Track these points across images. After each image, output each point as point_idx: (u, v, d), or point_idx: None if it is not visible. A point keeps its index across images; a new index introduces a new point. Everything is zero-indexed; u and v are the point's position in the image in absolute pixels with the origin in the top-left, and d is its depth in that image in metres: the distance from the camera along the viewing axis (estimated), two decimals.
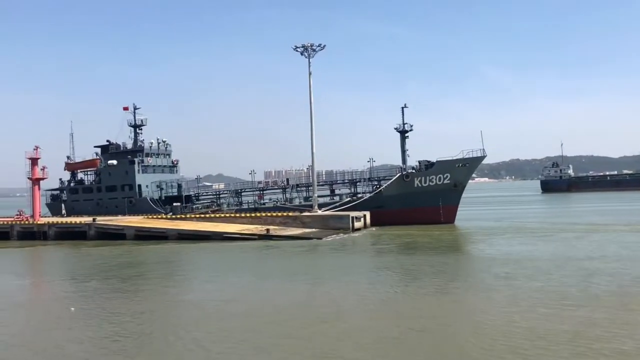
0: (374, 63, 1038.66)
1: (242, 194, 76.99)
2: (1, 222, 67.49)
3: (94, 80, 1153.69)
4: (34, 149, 68.02)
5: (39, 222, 65.36)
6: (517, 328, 18.63)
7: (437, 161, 65.86)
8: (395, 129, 69.79)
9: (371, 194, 66.60)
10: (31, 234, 63.93)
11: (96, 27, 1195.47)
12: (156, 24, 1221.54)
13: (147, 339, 19.85)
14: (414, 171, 66.58)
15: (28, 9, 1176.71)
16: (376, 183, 69.54)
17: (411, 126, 69.74)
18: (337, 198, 70.80)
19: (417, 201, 64.04)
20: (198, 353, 17.74)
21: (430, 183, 65.18)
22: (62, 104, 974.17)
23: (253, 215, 63.26)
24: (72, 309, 25.23)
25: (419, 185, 65.37)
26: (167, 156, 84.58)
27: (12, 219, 69.06)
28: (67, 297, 28.83)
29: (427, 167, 66.07)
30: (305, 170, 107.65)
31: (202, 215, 66.47)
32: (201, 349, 18.12)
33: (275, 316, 22.10)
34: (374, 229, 60.44)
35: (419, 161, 67.52)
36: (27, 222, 66.17)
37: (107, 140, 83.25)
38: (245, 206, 72.55)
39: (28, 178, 68.81)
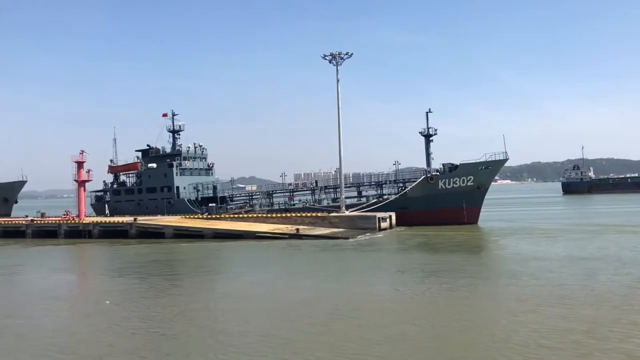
0: (398, 70, 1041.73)
1: (274, 195, 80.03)
2: (50, 221, 72.02)
3: (137, 91, 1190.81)
4: (80, 153, 72.29)
5: (84, 222, 69.12)
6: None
7: (460, 164, 67.73)
8: (420, 133, 71.97)
9: (397, 196, 68.90)
10: (77, 233, 67.57)
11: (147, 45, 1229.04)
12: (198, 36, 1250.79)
13: (183, 333, 22.67)
14: (438, 173, 68.57)
15: (80, 27, 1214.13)
16: (401, 185, 71.82)
17: (435, 130, 71.86)
18: (363, 199, 73.34)
19: (441, 202, 66.09)
20: (220, 341, 20.70)
21: (454, 185, 67.19)
22: (107, 111, 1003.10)
23: (284, 215, 66.17)
24: (107, 301, 28.02)
25: (443, 187, 67.44)
26: (203, 159, 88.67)
27: (59, 219, 73.38)
28: (110, 290, 31.52)
29: (451, 169, 67.94)
30: (333, 172, 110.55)
31: (236, 216, 69.64)
32: (226, 339, 21.04)
33: (303, 309, 24.13)
34: (399, 229, 62.77)
35: (442, 164, 69.40)
36: (73, 222, 69.94)
37: (147, 145, 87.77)
38: (276, 207, 75.48)
39: (74, 180, 72.85)
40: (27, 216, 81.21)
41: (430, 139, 71.80)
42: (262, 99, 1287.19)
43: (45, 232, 69.14)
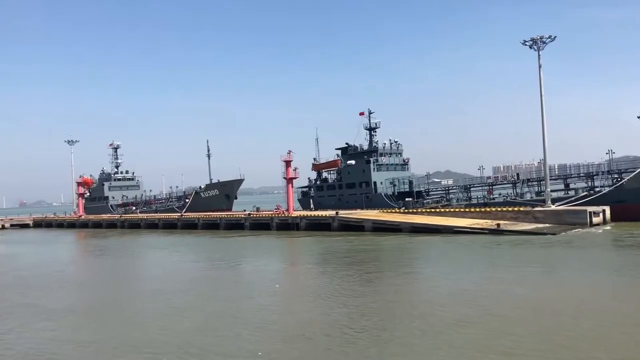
0: (603, 49, 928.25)
1: (471, 189, 78.13)
2: (264, 215, 79.59)
3: (336, 92, 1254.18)
4: (288, 153, 78.63)
5: (292, 215, 74.84)
6: None
7: None
8: (639, 117, 64.16)
9: (611, 188, 62.39)
10: (286, 225, 73.39)
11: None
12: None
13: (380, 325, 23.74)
14: None
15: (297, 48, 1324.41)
16: (616, 176, 64.83)
17: None
18: (571, 192, 67.78)
19: None
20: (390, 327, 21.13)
21: None
22: (309, 115, 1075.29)
23: (482, 210, 64.20)
24: (277, 285, 30.56)
25: None
26: (399, 155, 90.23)
27: (271, 213, 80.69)
28: (318, 277, 34.50)
29: None
30: (536, 164, 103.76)
31: (433, 210, 69.41)
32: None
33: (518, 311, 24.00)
34: (614, 224, 56.96)
35: None
36: (283, 215, 75.99)
37: (346, 143, 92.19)
38: (474, 201, 73.58)
39: (283, 178, 79.47)
40: (244, 210, 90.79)
41: None
42: (458, 93, 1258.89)
43: (260, 225, 76.41)
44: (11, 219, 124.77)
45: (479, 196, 75.80)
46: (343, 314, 23.07)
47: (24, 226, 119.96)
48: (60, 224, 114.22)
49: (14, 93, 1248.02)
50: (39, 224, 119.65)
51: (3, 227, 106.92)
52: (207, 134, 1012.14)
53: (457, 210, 67.09)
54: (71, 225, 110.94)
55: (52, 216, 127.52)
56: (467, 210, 65.86)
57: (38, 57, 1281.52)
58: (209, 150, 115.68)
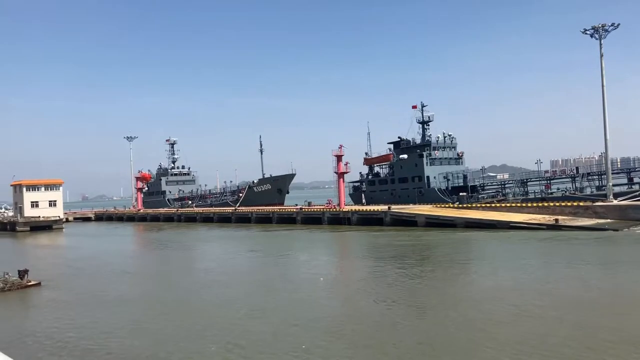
0: None
1: (528, 183, 76.02)
2: (315, 209, 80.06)
3: (386, 85, 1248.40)
4: (339, 148, 78.76)
5: (344, 210, 75.01)
6: None
7: None
8: None
9: None
10: (338, 220, 73.58)
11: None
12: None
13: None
14: None
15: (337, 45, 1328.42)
16: None
17: None
18: (636, 187, 64.85)
19: None
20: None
21: None
22: (364, 109, 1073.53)
23: (540, 204, 62.31)
24: (322, 279, 30.61)
25: None
26: (453, 149, 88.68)
27: (323, 207, 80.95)
28: (368, 271, 34.43)
29: None
30: (597, 157, 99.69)
31: (488, 205, 67.86)
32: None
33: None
34: None
35: None
36: (334, 210, 76.30)
37: (399, 137, 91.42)
38: (531, 196, 71.51)
39: (334, 172, 79.75)
40: (296, 205, 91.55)
41: None
42: (511, 83, 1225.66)
43: (312, 219, 76.86)
44: (74, 213, 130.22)
45: (536, 191, 73.59)
46: (394, 311, 22.93)
47: (86, 219, 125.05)
48: (120, 217, 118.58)
49: (89, 93, 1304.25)
50: (100, 217, 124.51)
51: (67, 220, 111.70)
52: (260, 130, 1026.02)
53: (513, 205, 65.38)
54: (130, 218, 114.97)
55: (112, 210, 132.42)
56: (523, 205, 64.09)
57: (111, 60, 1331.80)
58: (261, 146, 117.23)
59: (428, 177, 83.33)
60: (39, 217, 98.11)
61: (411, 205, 74.63)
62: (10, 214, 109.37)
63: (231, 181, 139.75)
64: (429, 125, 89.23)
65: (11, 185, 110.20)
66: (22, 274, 34.19)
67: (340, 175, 78.60)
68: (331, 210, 76.27)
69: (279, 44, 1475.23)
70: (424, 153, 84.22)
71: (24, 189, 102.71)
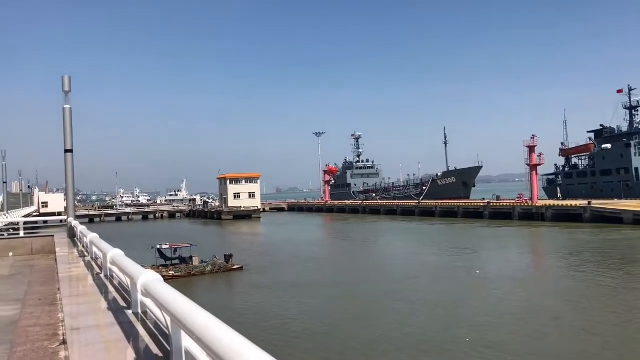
0: None
1: None
2: (505, 204, 76.11)
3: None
4: (531, 138, 73.74)
5: (537, 205, 70.26)
6: None
7: None
8: None
9: None
10: (530, 215, 69.13)
11: None
12: None
13: None
14: None
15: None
16: None
17: None
18: None
19: None
20: None
21: None
22: (559, 96, 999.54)
23: None
24: (477, 272, 29.89)
25: None
26: None
27: (513, 202, 76.49)
28: (568, 273, 31.62)
29: None
30: None
31: None
32: None
33: None
34: None
35: None
36: (526, 205, 71.86)
37: (601, 125, 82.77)
38: None
39: (526, 164, 74.96)
40: (483, 199, 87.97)
41: None
42: None
43: (500, 214, 73.31)
44: (270, 204, 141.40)
45: None
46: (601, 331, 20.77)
47: (280, 210, 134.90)
48: (309, 209, 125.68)
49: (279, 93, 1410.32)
50: (292, 208, 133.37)
51: (264, 210, 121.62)
52: (443, 121, 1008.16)
53: None
54: (319, 209, 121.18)
55: (303, 201, 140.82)
56: None
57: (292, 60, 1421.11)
58: (445, 137, 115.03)
59: (637, 169, 74.09)
60: (240, 207, 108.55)
61: (616, 201, 67.35)
62: (216, 204, 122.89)
63: (414, 174, 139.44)
64: (637, 110, 79.16)
65: (217, 179, 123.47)
66: (228, 258, 37.96)
67: (533, 167, 73.74)
68: (523, 205, 72.06)
69: (473, 29, 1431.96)
70: (632, 142, 75.02)
71: (228, 181, 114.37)
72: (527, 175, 77.12)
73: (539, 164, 74.62)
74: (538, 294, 26.16)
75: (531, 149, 73.42)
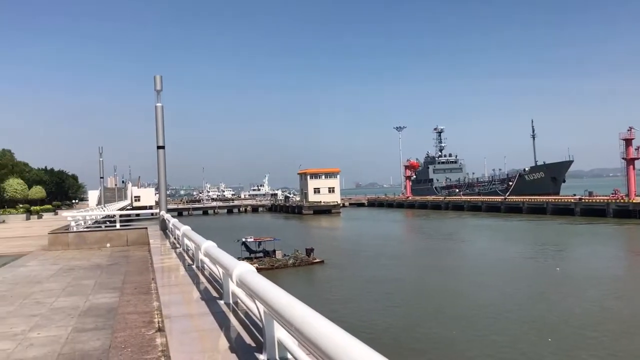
0: None
1: None
2: (598, 200, 71.94)
3: None
4: (628, 130, 69.25)
5: (634, 201, 65.96)
6: None
7: None
8: None
9: None
10: (626, 212, 65.22)
11: None
12: None
13: None
14: None
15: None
16: None
17: None
18: None
19: None
20: None
21: None
22: None
23: None
24: (558, 269, 29.42)
25: None
26: None
27: (607, 198, 72.16)
28: None
29: None
30: None
31: None
32: None
33: None
34: None
35: None
36: (622, 201, 67.69)
37: None
38: None
39: (622, 158, 70.54)
40: (574, 195, 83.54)
41: None
42: None
43: (593, 211, 69.52)
44: (349, 199, 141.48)
45: None
46: None
47: (360, 205, 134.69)
48: (390, 204, 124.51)
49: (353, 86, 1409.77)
50: (372, 204, 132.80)
51: (343, 205, 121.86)
52: (531, 113, 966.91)
53: None
54: (399, 205, 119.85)
55: (383, 197, 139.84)
56: None
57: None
58: (533, 131, 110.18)
59: None
60: (320, 202, 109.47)
61: None
62: (297, 198, 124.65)
63: (500, 169, 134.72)
64: None
65: (298, 174, 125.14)
66: (309, 251, 38.40)
67: (630, 161, 69.35)
68: (618, 201, 68.08)
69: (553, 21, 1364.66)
70: None
71: (308, 177, 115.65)
72: (623, 170, 72.53)
73: (637, 158, 70.01)
74: None
75: (628, 141, 69.02)
